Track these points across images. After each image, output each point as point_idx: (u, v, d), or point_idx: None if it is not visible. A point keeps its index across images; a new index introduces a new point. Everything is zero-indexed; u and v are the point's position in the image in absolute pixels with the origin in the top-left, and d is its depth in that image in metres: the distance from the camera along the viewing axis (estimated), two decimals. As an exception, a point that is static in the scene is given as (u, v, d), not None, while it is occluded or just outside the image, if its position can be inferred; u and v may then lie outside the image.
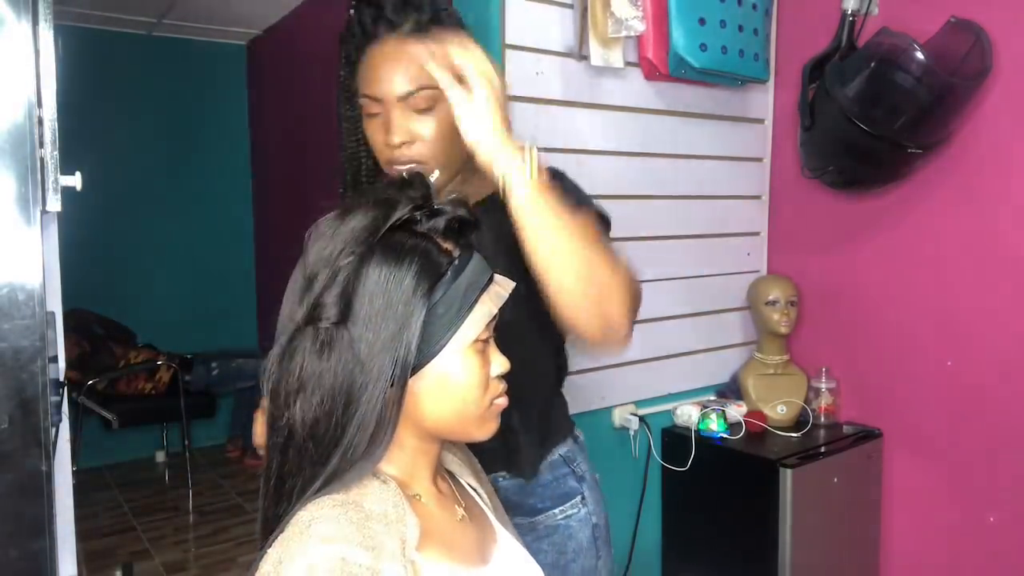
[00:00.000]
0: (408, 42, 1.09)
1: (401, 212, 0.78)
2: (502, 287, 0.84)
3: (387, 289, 0.76)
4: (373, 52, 1.11)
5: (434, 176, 0.86)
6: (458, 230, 0.82)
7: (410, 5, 1.10)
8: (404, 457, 0.83)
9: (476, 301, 0.80)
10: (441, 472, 0.91)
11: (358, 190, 1.20)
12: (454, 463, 0.97)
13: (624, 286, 1.02)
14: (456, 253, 0.80)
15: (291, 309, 0.80)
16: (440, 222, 0.80)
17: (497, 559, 0.88)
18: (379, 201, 0.79)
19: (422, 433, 0.83)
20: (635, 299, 1.05)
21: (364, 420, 0.76)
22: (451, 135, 1.09)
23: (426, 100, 1.09)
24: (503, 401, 0.86)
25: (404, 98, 1.09)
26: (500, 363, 0.84)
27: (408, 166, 1.10)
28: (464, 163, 1.15)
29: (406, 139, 1.09)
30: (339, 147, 1.22)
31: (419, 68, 1.07)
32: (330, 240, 0.78)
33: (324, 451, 0.76)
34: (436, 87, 1.06)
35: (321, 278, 0.76)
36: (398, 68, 1.08)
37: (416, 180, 0.83)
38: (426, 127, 1.10)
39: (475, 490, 0.96)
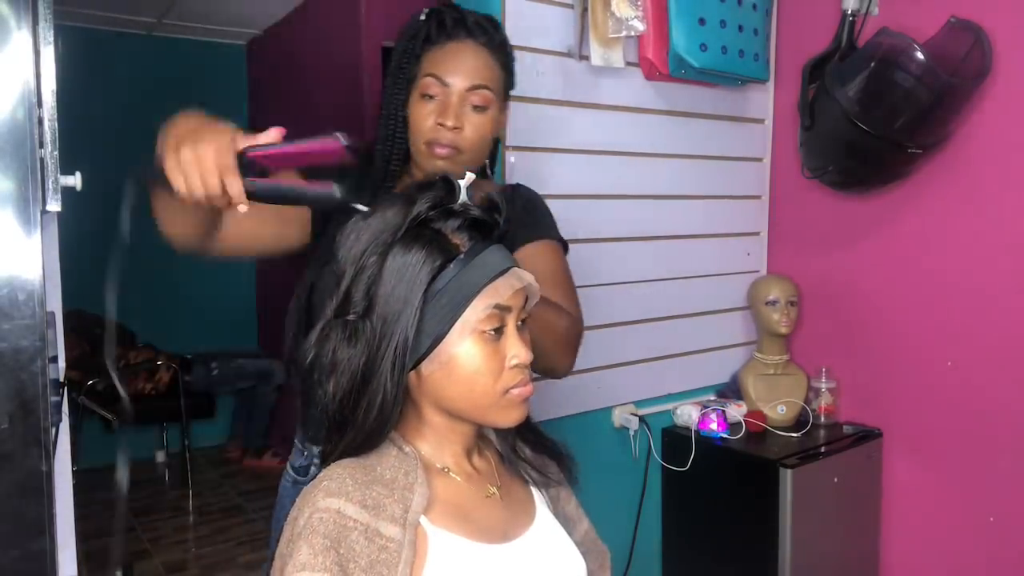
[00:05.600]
0: (483, 49, 1.27)
1: (418, 209, 0.84)
2: (516, 279, 0.87)
3: (395, 279, 0.83)
4: (452, 45, 1.26)
5: (465, 179, 0.88)
6: (472, 227, 0.86)
7: (488, 24, 1.30)
8: (432, 434, 0.90)
9: (479, 292, 0.84)
10: (482, 452, 0.96)
11: (386, 173, 1.32)
12: (531, 453, 1.01)
13: (570, 346, 1.25)
14: (465, 248, 0.85)
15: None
16: (455, 221, 0.86)
17: (521, 541, 0.91)
18: (401, 200, 0.86)
19: (446, 414, 0.89)
20: (576, 347, 1.28)
21: (372, 399, 0.84)
22: (488, 140, 1.28)
23: (484, 99, 1.26)
24: (521, 391, 0.88)
25: (470, 89, 1.25)
26: (517, 353, 0.87)
27: (447, 150, 1.24)
28: (481, 169, 1.32)
29: (458, 124, 1.24)
30: (377, 130, 1.32)
31: (488, 71, 1.27)
32: (356, 240, 0.85)
33: (343, 424, 0.86)
34: (494, 92, 1.27)
35: (348, 274, 0.84)
36: (473, 62, 1.26)
37: (438, 182, 0.88)
38: (475, 121, 1.26)
39: (534, 480, 0.99)
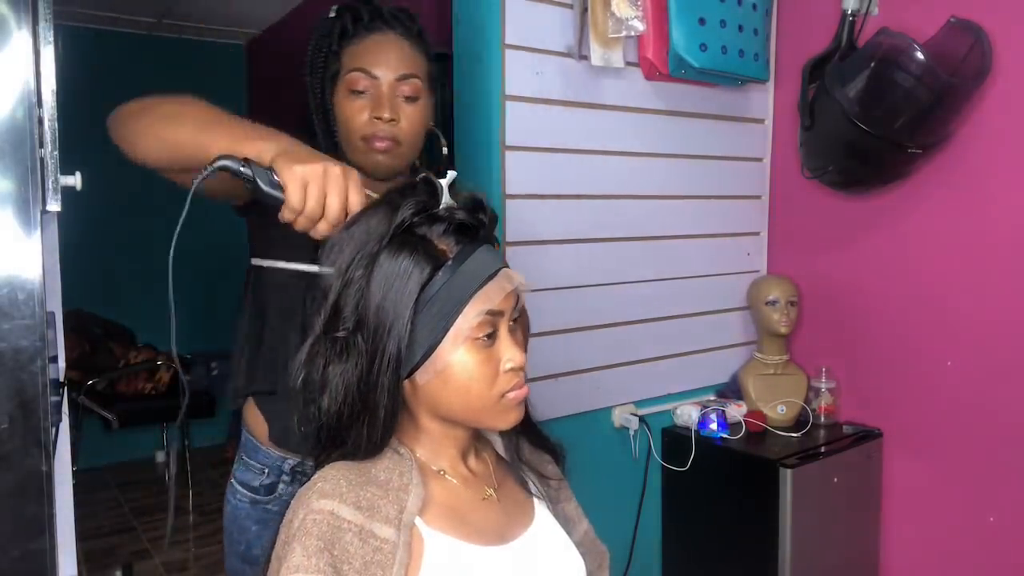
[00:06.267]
0: (405, 40, 1.27)
1: (402, 216, 0.83)
2: (507, 281, 0.85)
3: (384, 290, 0.81)
4: (372, 38, 1.25)
5: (448, 179, 0.87)
6: (458, 230, 0.84)
7: (404, 15, 1.28)
8: (428, 439, 0.90)
9: (470, 299, 0.82)
10: (479, 454, 0.96)
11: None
12: (533, 454, 1.01)
13: None
14: (452, 253, 0.83)
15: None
16: (440, 227, 0.84)
17: (519, 543, 0.91)
18: (384, 207, 0.85)
19: (442, 419, 0.89)
20: None
21: (370, 413, 0.83)
22: (422, 130, 1.28)
23: (414, 89, 1.26)
24: (516, 394, 0.87)
25: (399, 79, 1.24)
26: (512, 357, 0.86)
27: (385, 143, 1.25)
28: (414, 160, 1.32)
29: (394, 116, 1.23)
30: (311, 125, 1.29)
31: (414, 60, 1.26)
32: (340, 252, 0.84)
33: (340, 435, 0.85)
34: (423, 80, 1.26)
35: (335, 288, 0.83)
36: (398, 53, 1.25)
37: (420, 185, 0.86)
38: (409, 112, 1.25)
39: (534, 483, 0.99)
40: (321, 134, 1.29)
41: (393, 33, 1.26)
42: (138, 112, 1.05)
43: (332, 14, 1.27)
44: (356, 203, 0.91)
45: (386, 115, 1.22)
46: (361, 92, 1.23)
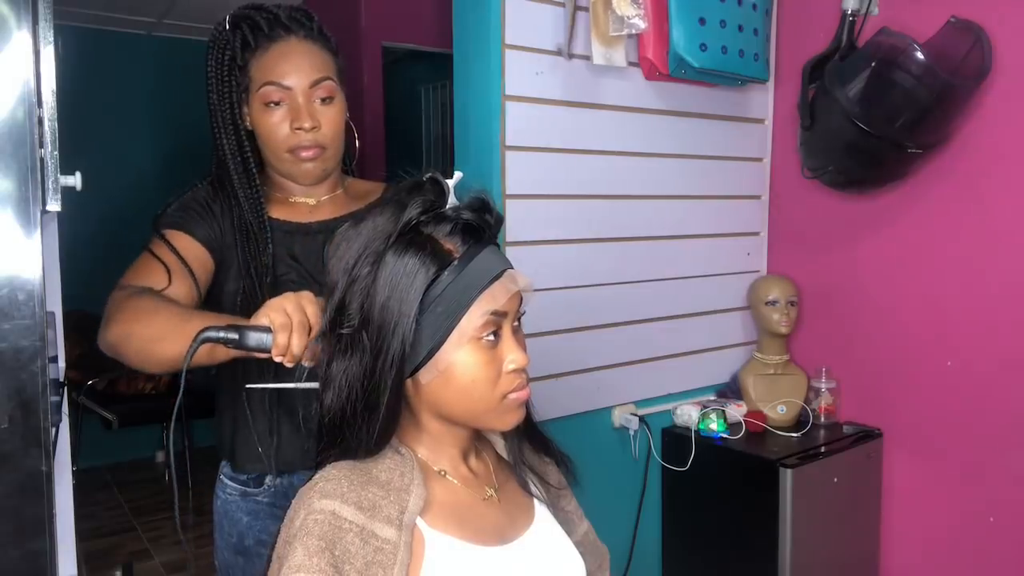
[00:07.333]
0: (308, 42, 1.25)
1: (409, 215, 0.83)
2: (511, 282, 0.86)
3: (389, 289, 0.81)
4: (276, 47, 1.23)
5: (455, 179, 0.87)
6: (465, 231, 0.84)
7: (303, 15, 1.26)
8: (429, 438, 0.90)
9: (475, 299, 0.82)
10: (480, 454, 0.96)
11: (251, 187, 1.28)
12: (535, 456, 1.01)
13: None
14: (459, 253, 0.83)
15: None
16: (446, 226, 0.84)
17: (518, 543, 0.91)
18: (391, 205, 0.85)
19: (443, 419, 0.88)
20: None
21: (372, 411, 0.83)
22: (343, 127, 1.27)
23: (328, 90, 1.24)
24: (518, 395, 0.88)
25: (313, 85, 1.22)
26: (515, 358, 0.86)
27: (312, 151, 1.23)
28: (342, 158, 1.32)
29: (315, 124, 1.23)
30: (219, 149, 1.28)
31: (322, 61, 1.25)
32: (347, 249, 0.84)
33: (341, 433, 0.86)
34: (335, 79, 1.25)
35: (340, 285, 0.84)
36: (306, 58, 1.23)
37: (427, 184, 0.86)
38: (329, 115, 1.24)
39: (534, 483, 0.99)
40: (230, 153, 1.26)
41: (296, 38, 1.24)
42: (123, 342, 1.08)
43: (226, 25, 1.24)
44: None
45: (307, 124, 1.22)
46: (277, 104, 1.22)
